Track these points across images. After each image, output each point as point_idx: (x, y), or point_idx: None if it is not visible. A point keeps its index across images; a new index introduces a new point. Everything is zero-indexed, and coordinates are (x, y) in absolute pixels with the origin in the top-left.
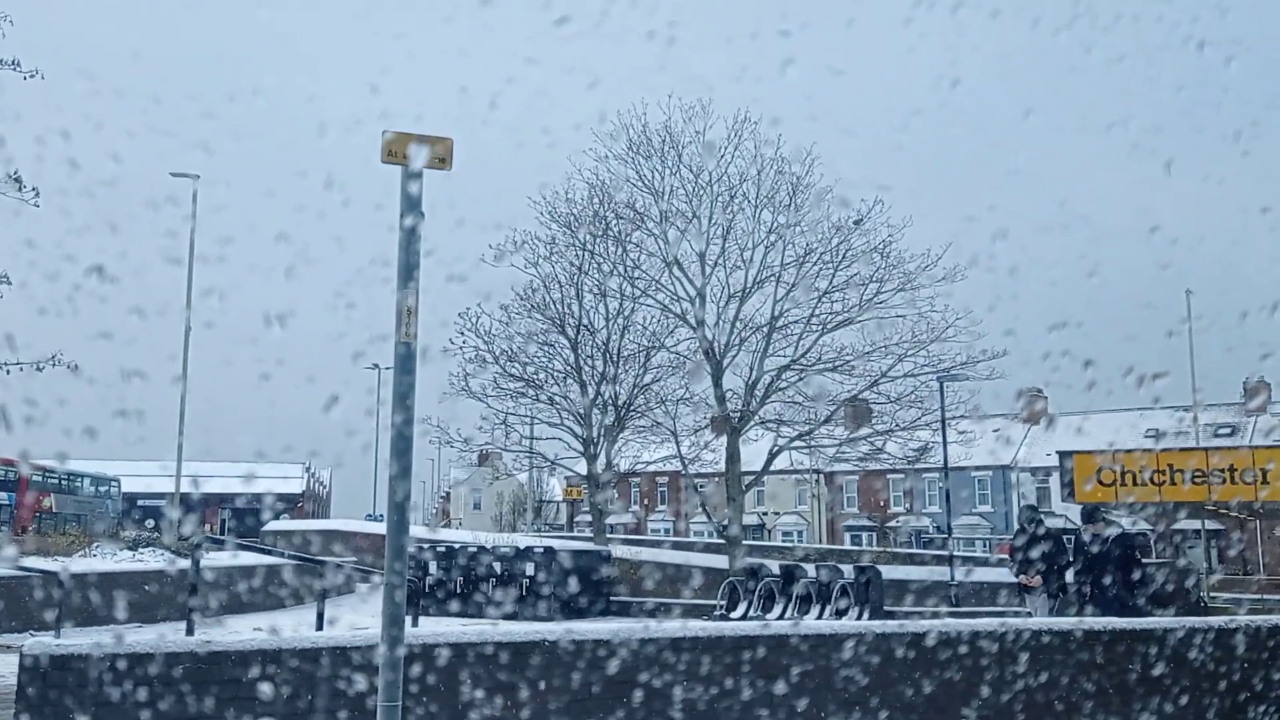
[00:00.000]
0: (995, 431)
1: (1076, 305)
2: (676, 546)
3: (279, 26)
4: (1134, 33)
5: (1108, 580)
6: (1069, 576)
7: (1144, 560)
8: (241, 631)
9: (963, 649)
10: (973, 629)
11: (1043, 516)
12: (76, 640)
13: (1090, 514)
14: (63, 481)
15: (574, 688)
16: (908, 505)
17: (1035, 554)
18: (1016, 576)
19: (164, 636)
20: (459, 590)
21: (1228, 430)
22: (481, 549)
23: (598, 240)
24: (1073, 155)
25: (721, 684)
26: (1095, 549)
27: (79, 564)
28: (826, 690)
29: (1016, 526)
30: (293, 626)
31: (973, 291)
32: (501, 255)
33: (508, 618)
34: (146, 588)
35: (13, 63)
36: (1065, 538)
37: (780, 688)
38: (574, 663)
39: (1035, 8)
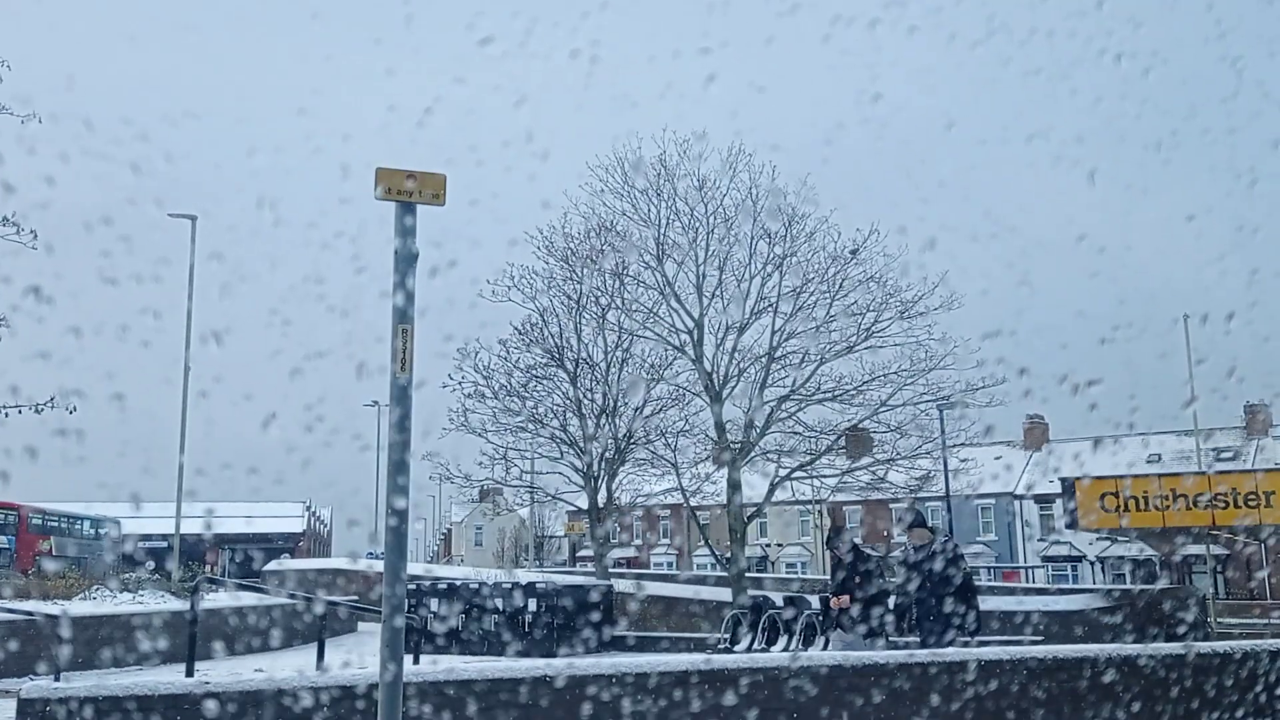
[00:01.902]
0: (997, 459)
1: (1008, 314)
2: (679, 580)
3: (209, 51)
4: (1049, 46)
5: (929, 599)
6: (889, 603)
7: (971, 574)
8: (242, 672)
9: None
10: (922, 659)
11: (857, 540)
12: (75, 684)
13: (910, 520)
14: (62, 524)
15: None
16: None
17: (847, 581)
18: (831, 606)
19: (163, 679)
20: (459, 628)
21: (1230, 454)
22: (482, 585)
23: (594, 273)
24: (997, 166)
25: (670, 696)
26: (918, 562)
27: (79, 606)
28: (776, 701)
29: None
30: (293, 667)
31: (937, 318)
32: (498, 290)
33: (508, 654)
34: (146, 629)
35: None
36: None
37: (729, 699)
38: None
39: (951, 23)
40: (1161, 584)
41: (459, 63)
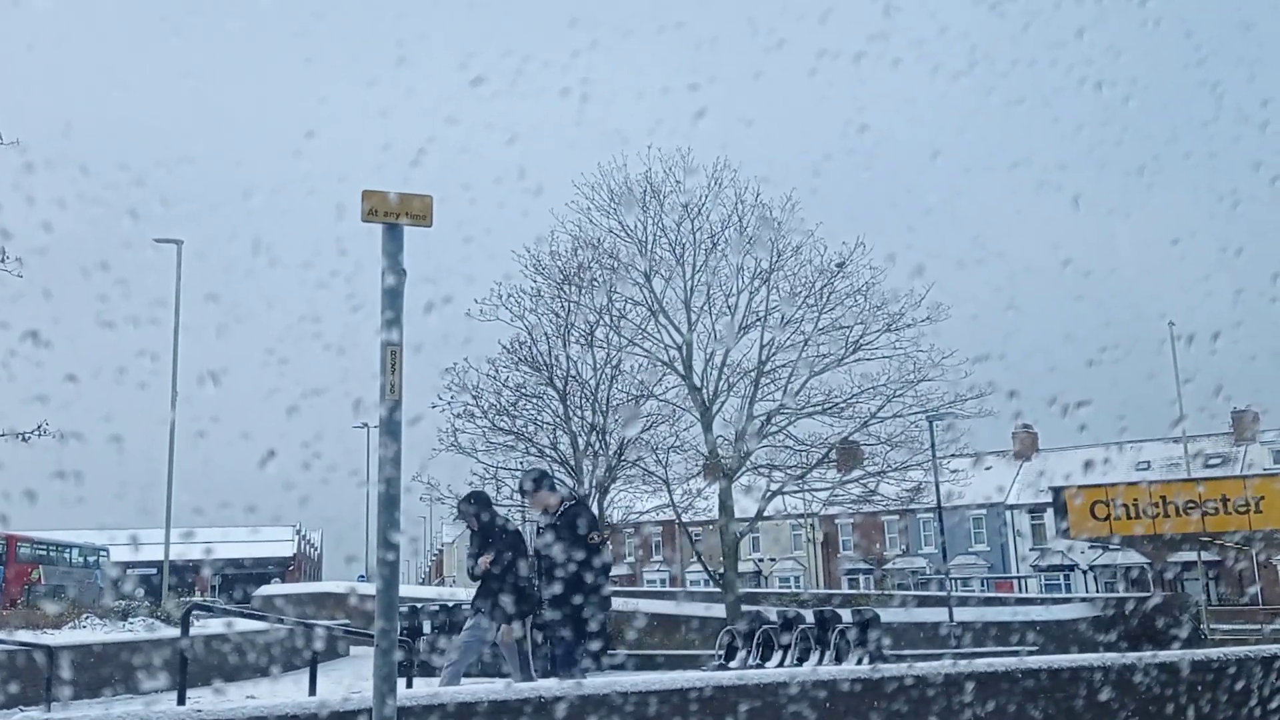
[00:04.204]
0: (988, 469)
1: (997, 338)
2: (672, 596)
3: (203, 96)
4: (1031, 76)
5: (559, 596)
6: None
7: (599, 548)
8: (234, 699)
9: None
10: (917, 673)
11: (489, 502)
12: (65, 714)
13: (530, 483)
14: (51, 552)
15: None
16: (904, 546)
17: (480, 555)
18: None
19: (154, 708)
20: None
21: (1218, 460)
22: None
23: (583, 291)
24: (982, 194)
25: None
26: (546, 542)
27: (68, 636)
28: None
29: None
30: (286, 693)
31: (923, 330)
32: (485, 309)
33: (505, 676)
34: (137, 658)
35: None
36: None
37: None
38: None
39: (934, 55)
40: (1155, 595)
41: (451, 102)
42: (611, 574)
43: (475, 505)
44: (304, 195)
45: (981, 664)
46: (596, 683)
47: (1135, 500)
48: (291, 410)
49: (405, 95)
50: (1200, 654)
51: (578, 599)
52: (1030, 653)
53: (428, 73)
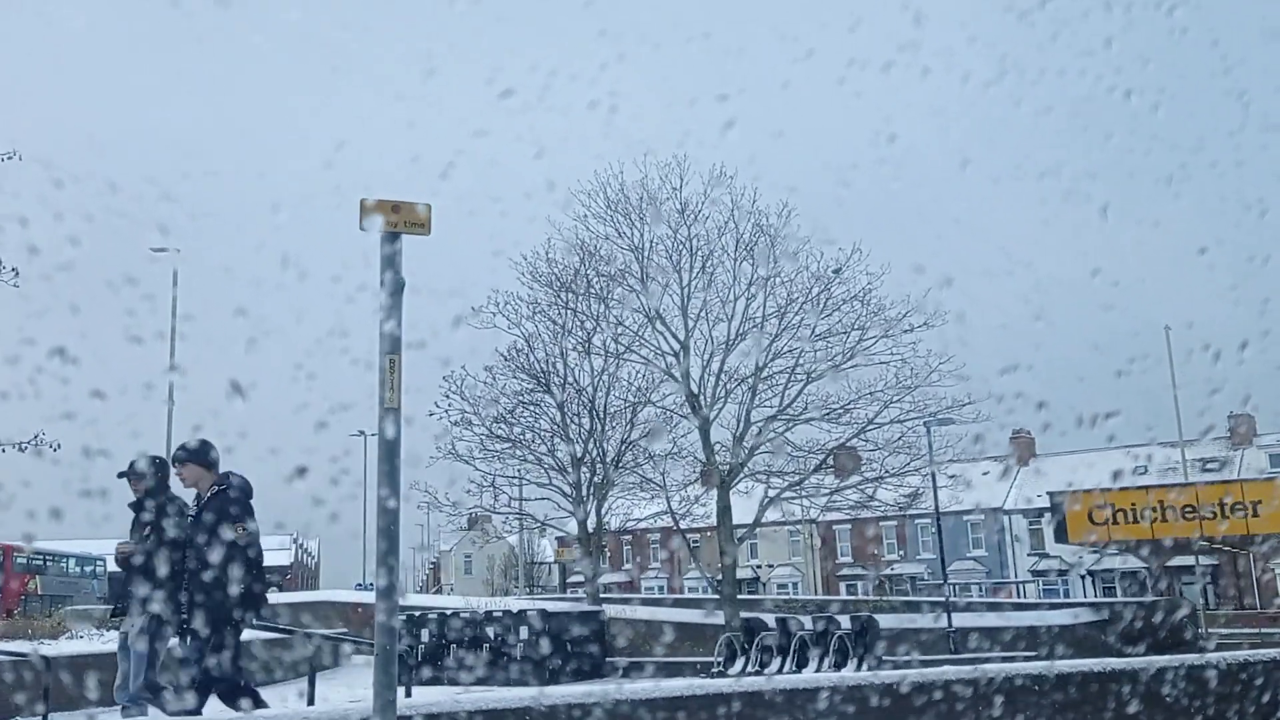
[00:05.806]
0: (985, 475)
1: (1026, 349)
2: (671, 604)
3: (232, 110)
4: (1060, 85)
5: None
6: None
7: (247, 548)
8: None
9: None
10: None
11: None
12: None
13: (180, 453)
14: (47, 562)
15: None
16: (902, 552)
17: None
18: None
19: (152, 718)
20: (452, 658)
21: (1216, 465)
22: (474, 614)
23: (579, 298)
24: (1011, 203)
25: None
26: (193, 523)
27: (64, 646)
28: None
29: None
30: (284, 702)
31: (926, 337)
32: (483, 318)
33: (503, 684)
34: None
35: None
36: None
37: None
38: None
39: (963, 64)
40: (1163, 598)
41: (480, 115)
42: (262, 578)
43: (150, 468)
44: (332, 209)
45: (991, 668)
46: (604, 689)
47: (1134, 505)
48: (303, 420)
49: (434, 107)
50: (1229, 657)
51: (213, 607)
52: (1027, 659)
53: (456, 85)
